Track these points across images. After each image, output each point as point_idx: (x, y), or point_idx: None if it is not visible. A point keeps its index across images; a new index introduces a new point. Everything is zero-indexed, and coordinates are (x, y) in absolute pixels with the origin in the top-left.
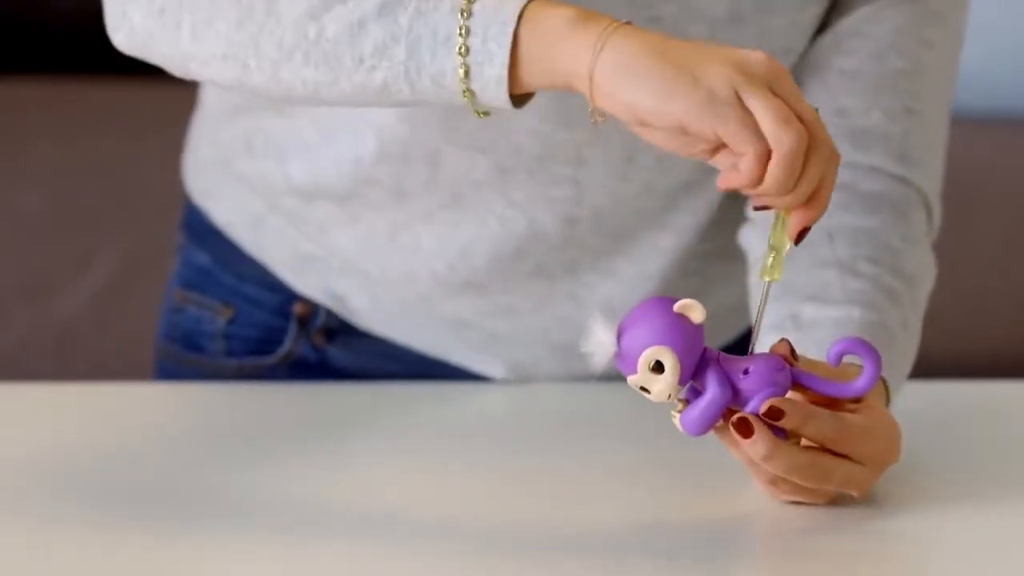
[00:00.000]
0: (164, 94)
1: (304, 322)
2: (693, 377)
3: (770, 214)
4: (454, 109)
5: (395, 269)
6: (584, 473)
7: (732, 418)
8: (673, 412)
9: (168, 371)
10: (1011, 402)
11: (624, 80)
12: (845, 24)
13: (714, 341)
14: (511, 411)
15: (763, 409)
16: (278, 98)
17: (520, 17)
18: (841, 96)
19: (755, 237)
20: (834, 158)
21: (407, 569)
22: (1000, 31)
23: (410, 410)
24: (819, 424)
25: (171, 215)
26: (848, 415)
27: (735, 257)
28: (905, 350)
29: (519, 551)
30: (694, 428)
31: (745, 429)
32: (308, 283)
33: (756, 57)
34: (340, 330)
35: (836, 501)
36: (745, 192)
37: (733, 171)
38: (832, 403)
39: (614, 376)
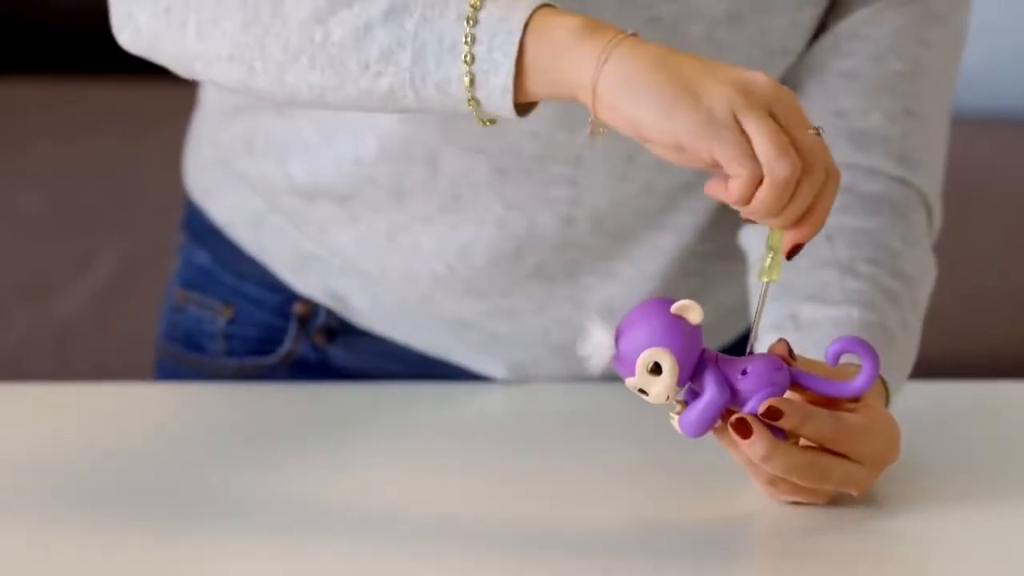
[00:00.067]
0: (164, 94)
1: (304, 322)
2: (691, 378)
3: None
4: (458, 116)
5: (395, 269)
6: (584, 473)
7: (731, 419)
8: (672, 414)
9: (168, 371)
10: (1011, 402)
11: (626, 94)
12: (844, 26)
13: (715, 341)
14: (511, 411)
15: (761, 409)
16: (283, 101)
17: (526, 26)
18: (840, 98)
19: (755, 237)
20: (833, 179)
21: (407, 569)
22: (1000, 31)
23: (410, 410)
24: (817, 424)
25: (171, 215)
26: (846, 415)
27: (735, 257)
28: (905, 350)
29: (519, 551)
30: (692, 429)
31: (743, 430)
32: (308, 283)
33: (759, 79)
34: (340, 330)
35: (836, 501)
36: (732, 206)
37: (722, 184)
38: (830, 403)
39: (614, 376)
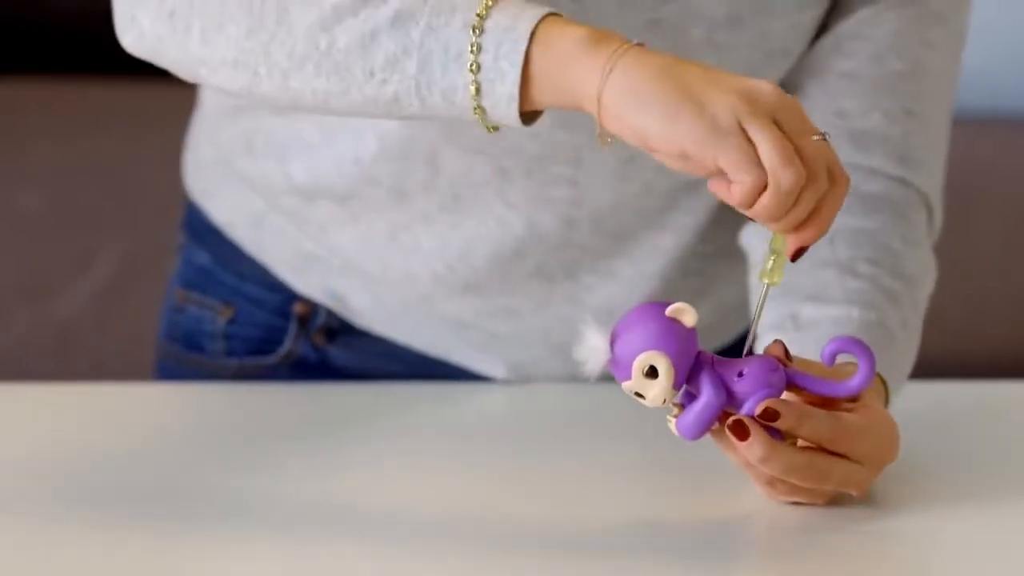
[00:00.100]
0: (164, 94)
1: (304, 322)
2: (688, 381)
3: None
4: (464, 123)
5: (395, 269)
6: (584, 473)
7: (727, 421)
8: (669, 417)
9: (168, 371)
10: (1011, 402)
11: (631, 105)
12: (845, 26)
13: (715, 341)
14: (511, 411)
15: (758, 411)
16: (287, 106)
17: (532, 36)
18: (841, 98)
19: (756, 237)
20: (841, 184)
21: (407, 569)
22: (1001, 31)
23: (410, 410)
24: (815, 424)
25: (171, 215)
26: (844, 414)
27: (736, 257)
28: (905, 350)
29: (519, 551)
30: (690, 432)
31: (741, 432)
32: (308, 283)
33: (764, 88)
34: (340, 330)
35: (835, 501)
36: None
37: (725, 184)
38: (828, 403)
39: (614, 377)
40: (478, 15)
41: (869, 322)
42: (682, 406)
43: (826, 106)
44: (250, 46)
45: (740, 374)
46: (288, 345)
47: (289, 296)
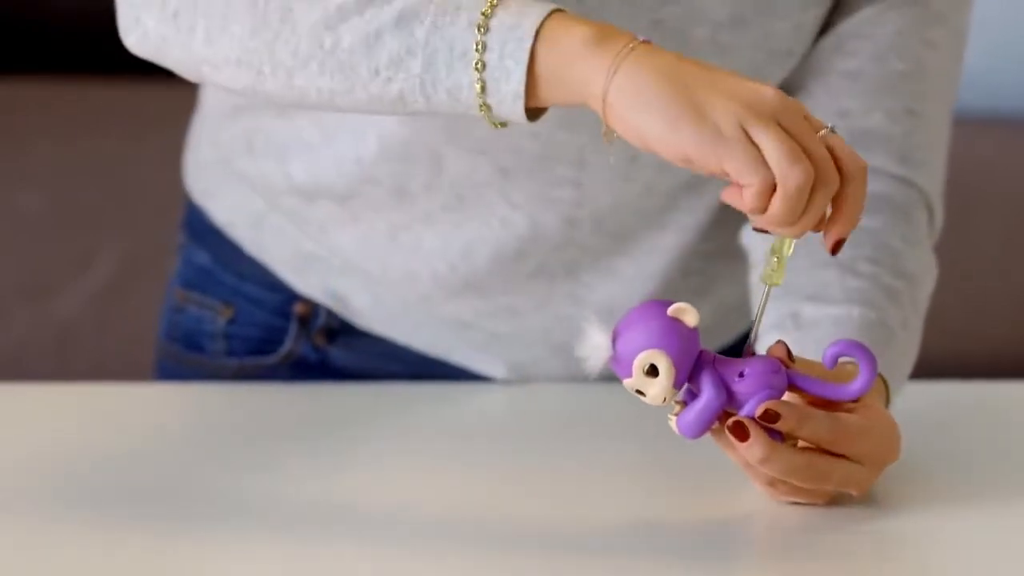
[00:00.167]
0: (164, 94)
1: (305, 322)
2: (689, 380)
3: None
4: (468, 118)
5: (396, 269)
6: (584, 473)
7: (728, 422)
8: (670, 415)
9: (168, 371)
10: (1011, 402)
11: (635, 106)
12: (847, 25)
13: (716, 340)
14: (511, 411)
15: (759, 412)
16: (291, 104)
17: (537, 34)
18: (843, 98)
19: (756, 237)
20: (859, 173)
21: (407, 569)
22: (1002, 31)
23: (410, 410)
24: (815, 425)
25: (171, 215)
26: (845, 415)
27: (737, 256)
28: (906, 349)
29: (519, 551)
30: (690, 431)
31: (741, 433)
32: (309, 283)
33: (766, 92)
34: (341, 330)
35: (836, 501)
36: (748, 215)
37: (738, 192)
38: (829, 403)
39: (614, 376)
40: (483, 14)
41: (870, 321)
42: (684, 404)
43: (828, 106)
44: (254, 45)
45: (741, 374)
46: (288, 345)
47: (289, 296)
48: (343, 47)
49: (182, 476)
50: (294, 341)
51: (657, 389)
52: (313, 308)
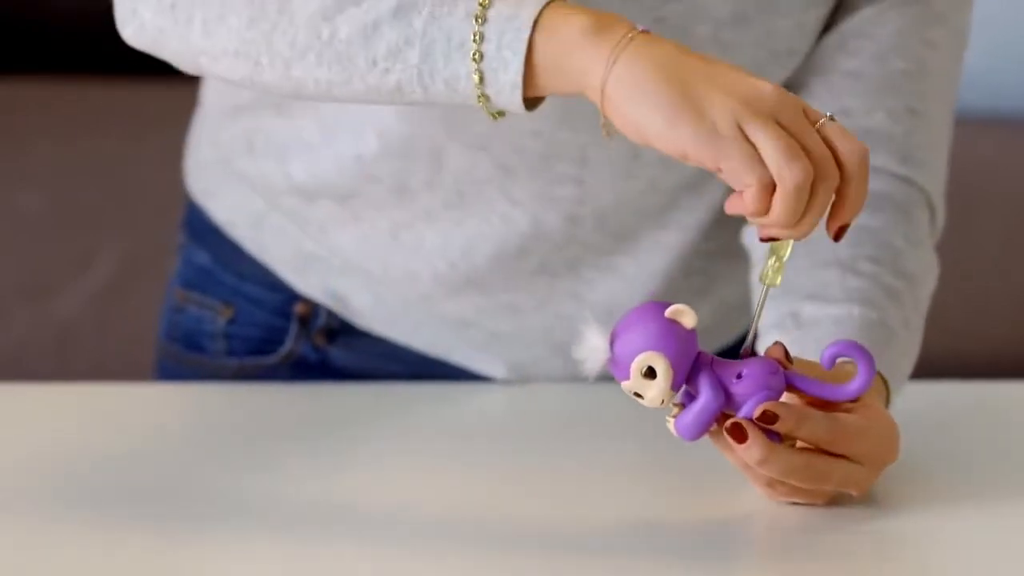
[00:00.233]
0: (164, 94)
1: (305, 322)
2: (687, 382)
3: None
4: (464, 109)
5: (397, 268)
6: (584, 473)
7: (726, 423)
8: (668, 417)
9: (169, 371)
10: (1011, 402)
11: (633, 99)
12: (849, 25)
13: (717, 340)
14: (511, 411)
15: (756, 414)
16: (289, 95)
17: (535, 24)
18: (844, 97)
19: (757, 236)
20: (862, 160)
21: (407, 569)
22: (1002, 31)
23: (410, 410)
24: (813, 426)
25: (171, 215)
26: (843, 415)
27: (738, 256)
28: (906, 349)
29: (519, 551)
30: (688, 433)
31: (739, 434)
32: (309, 283)
33: (764, 88)
34: (341, 330)
35: (835, 501)
36: (752, 221)
37: (740, 200)
38: (828, 404)
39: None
40: (481, 4)
41: (870, 321)
42: (682, 406)
43: (830, 105)
44: (252, 36)
45: (739, 376)
46: (289, 345)
47: (290, 296)
48: (341, 38)
49: (182, 476)
50: (294, 341)
51: (655, 391)
52: (313, 308)
